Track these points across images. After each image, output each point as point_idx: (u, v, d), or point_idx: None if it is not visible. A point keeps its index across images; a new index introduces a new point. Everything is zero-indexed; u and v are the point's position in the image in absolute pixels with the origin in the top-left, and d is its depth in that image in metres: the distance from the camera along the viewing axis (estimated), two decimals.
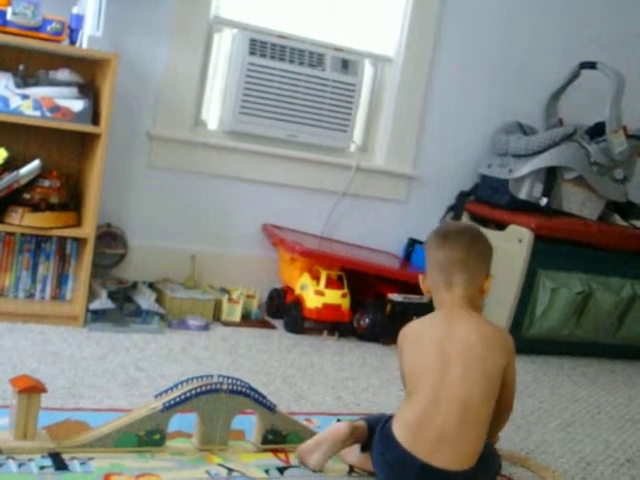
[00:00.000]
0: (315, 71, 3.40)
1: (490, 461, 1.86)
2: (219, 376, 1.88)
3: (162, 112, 3.20)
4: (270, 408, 1.92)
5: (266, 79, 3.33)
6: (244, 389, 1.88)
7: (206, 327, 2.99)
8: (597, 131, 3.67)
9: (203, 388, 1.83)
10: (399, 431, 1.75)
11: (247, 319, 3.20)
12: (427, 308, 3.22)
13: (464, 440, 1.75)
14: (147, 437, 1.80)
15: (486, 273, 1.96)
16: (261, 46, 3.31)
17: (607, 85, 3.58)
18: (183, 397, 1.80)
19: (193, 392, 1.81)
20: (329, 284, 3.14)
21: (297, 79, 3.38)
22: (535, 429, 2.52)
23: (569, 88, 3.85)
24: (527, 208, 3.52)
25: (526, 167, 3.48)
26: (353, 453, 1.92)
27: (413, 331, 1.95)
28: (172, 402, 1.79)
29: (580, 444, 2.46)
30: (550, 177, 3.51)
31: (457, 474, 1.73)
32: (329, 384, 2.60)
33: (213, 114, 3.38)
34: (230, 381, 1.87)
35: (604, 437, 2.57)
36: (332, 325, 3.18)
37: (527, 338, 3.43)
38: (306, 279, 3.16)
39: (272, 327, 3.18)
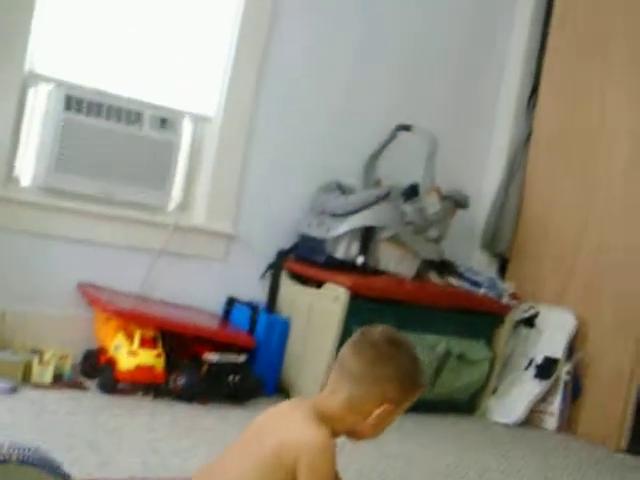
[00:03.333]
0: (133, 128, 3.38)
1: None
2: (9, 446, 1.82)
3: None
4: (64, 477, 1.86)
5: (82, 136, 3.29)
6: (35, 459, 1.81)
7: (13, 390, 2.88)
8: (412, 192, 3.79)
9: None
10: None
11: (59, 381, 3.11)
12: (244, 368, 3.26)
13: None
14: None
15: (381, 401, 1.73)
16: (77, 102, 3.26)
17: (422, 147, 3.73)
18: None
19: None
20: (143, 344, 3.09)
21: (114, 136, 3.35)
22: None
23: (387, 149, 3.97)
24: (344, 267, 3.58)
25: (343, 226, 3.56)
26: None
27: None
28: None
29: None
30: (366, 236, 3.60)
31: None
32: (138, 448, 2.55)
33: (27, 170, 3.29)
34: (20, 451, 1.81)
35: None
36: (147, 386, 3.13)
37: None
38: (120, 339, 3.11)
39: (85, 389, 3.10)
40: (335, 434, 1.73)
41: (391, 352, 1.78)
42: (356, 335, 1.85)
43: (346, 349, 1.82)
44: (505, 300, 4.00)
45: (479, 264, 4.45)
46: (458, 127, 4.37)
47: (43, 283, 3.31)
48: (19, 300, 3.26)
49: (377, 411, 1.73)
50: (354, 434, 1.79)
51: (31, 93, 3.27)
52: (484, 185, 4.55)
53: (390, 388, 1.74)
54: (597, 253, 4.04)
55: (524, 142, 4.46)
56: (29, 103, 3.26)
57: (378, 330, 1.87)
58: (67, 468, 1.91)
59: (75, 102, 3.26)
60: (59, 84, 3.28)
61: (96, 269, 3.40)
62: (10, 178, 3.25)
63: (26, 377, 3.02)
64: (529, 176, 4.42)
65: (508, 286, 4.18)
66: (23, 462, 1.79)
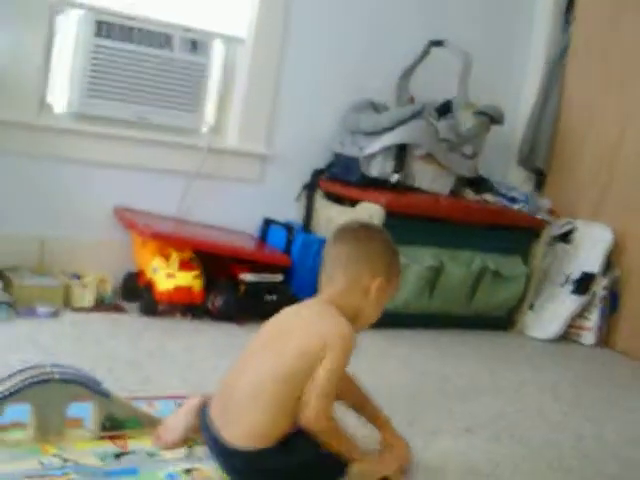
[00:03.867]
0: (164, 52, 3.37)
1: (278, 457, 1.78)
2: (51, 365, 1.87)
3: (5, 97, 3.12)
4: (105, 395, 1.91)
5: (114, 61, 3.28)
6: (77, 377, 1.87)
7: (55, 314, 2.94)
8: (446, 108, 3.75)
9: (34, 378, 1.81)
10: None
11: (100, 304, 3.17)
12: (280, 288, 3.29)
13: (244, 417, 1.78)
14: None
15: (373, 274, 1.89)
16: (107, 27, 3.25)
17: (456, 63, 3.68)
18: (12, 390, 1.77)
19: (22, 384, 1.79)
20: (181, 266, 3.13)
21: (145, 60, 3.34)
22: (380, 401, 2.57)
23: (420, 66, 3.92)
24: (378, 185, 3.58)
25: (376, 144, 3.54)
26: None
27: None
28: (0, 395, 1.77)
29: (423, 415, 2.53)
30: (401, 154, 3.58)
31: (229, 449, 1.79)
32: (177, 367, 2.60)
33: (60, 97, 3.30)
34: (63, 369, 1.86)
35: (448, 407, 2.66)
36: (186, 307, 3.18)
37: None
38: (158, 262, 3.15)
39: (125, 311, 3.16)
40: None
41: (369, 233, 1.99)
42: (334, 232, 2.00)
43: (329, 246, 1.99)
44: (541, 216, 3.98)
45: (515, 180, 4.42)
46: (494, 41, 4.29)
47: (81, 209, 3.35)
48: (58, 226, 3.31)
49: (374, 285, 1.89)
50: (361, 319, 1.93)
51: (61, 20, 3.26)
52: (521, 100, 4.49)
53: (378, 261, 1.92)
54: (635, 166, 3.99)
55: (561, 55, 4.38)
56: (59, 30, 3.25)
57: (351, 222, 2.08)
58: (109, 386, 1.97)
59: (105, 27, 3.25)
60: (89, 9, 3.26)
61: (132, 193, 3.43)
62: (43, 106, 3.27)
63: (67, 301, 3.09)
64: (567, 89, 4.36)
65: (545, 202, 4.16)
66: (65, 380, 1.85)
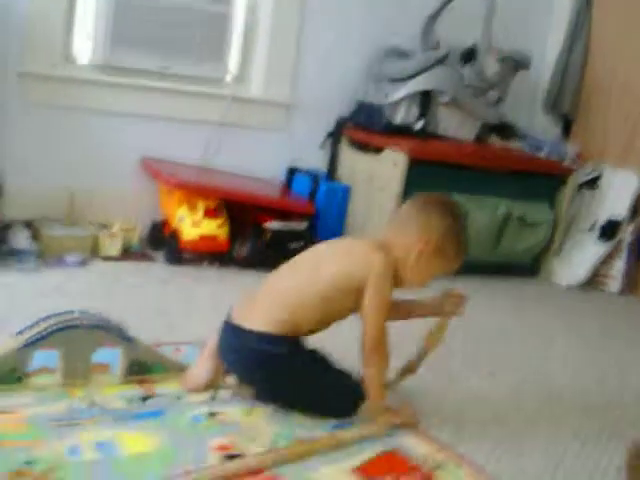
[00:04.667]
0: (187, 1, 3.37)
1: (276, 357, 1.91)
2: (79, 312, 1.91)
3: (30, 49, 3.14)
4: (130, 340, 1.95)
5: (136, 11, 3.30)
6: (103, 323, 1.90)
7: (84, 263, 2.99)
8: (471, 54, 3.72)
9: (61, 324, 1.85)
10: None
11: (127, 253, 3.20)
12: (305, 235, 3.31)
13: (264, 306, 1.94)
14: (7, 375, 1.81)
15: (419, 238, 1.96)
16: None
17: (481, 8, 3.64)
18: (39, 335, 1.82)
19: (50, 329, 1.83)
20: (206, 214, 3.16)
21: (168, 10, 3.35)
22: (403, 348, 2.59)
23: (446, 10, 3.88)
24: (403, 132, 3.58)
25: (401, 91, 3.54)
26: None
27: None
28: (29, 340, 1.81)
29: (447, 360, 2.55)
30: (425, 100, 3.58)
31: (244, 332, 1.91)
32: (203, 314, 2.63)
33: (84, 49, 3.32)
34: (89, 316, 1.90)
35: (472, 352, 2.68)
36: (212, 255, 3.21)
37: None
38: (184, 211, 3.17)
39: (152, 260, 3.20)
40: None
41: (442, 208, 2.02)
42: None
43: (403, 206, 2.08)
44: (568, 162, 3.96)
45: (542, 126, 4.38)
46: None
47: (107, 159, 3.38)
48: (85, 177, 3.34)
49: (416, 247, 1.95)
50: (399, 274, 1.99)
51: None
52: (547, 45, 4.44)
53: (433, 229, 1.96)
54: None
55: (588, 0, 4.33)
56: None
57: (435, 194, 2.11)
58: (136, 333, 2.01)
59: None
60: None
61: (158, 143, 3.45)
62: (68, 57, 3.28)
63: (95, 250, 3.13)
64: (594, 33, 4.30)
65: (572, 147, 4.13)
66: (92, 326, 1.89)
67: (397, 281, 1.99)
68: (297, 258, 2.07)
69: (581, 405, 2.36)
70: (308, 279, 1.97)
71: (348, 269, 1.94)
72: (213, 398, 1.96)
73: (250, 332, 1.90)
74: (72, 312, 1.91)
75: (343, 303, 1.95)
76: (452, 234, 1.99)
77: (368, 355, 1.94)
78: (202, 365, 2.01)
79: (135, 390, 1.93)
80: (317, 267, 1.98)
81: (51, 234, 3.05)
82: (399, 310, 2.13)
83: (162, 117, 3.43)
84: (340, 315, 1.99)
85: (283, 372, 1.91)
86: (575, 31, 4.33)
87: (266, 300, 1.96)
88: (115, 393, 1.90)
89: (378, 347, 1.95)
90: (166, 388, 1.97)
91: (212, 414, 1.87)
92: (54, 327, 1.84)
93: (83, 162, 3.33)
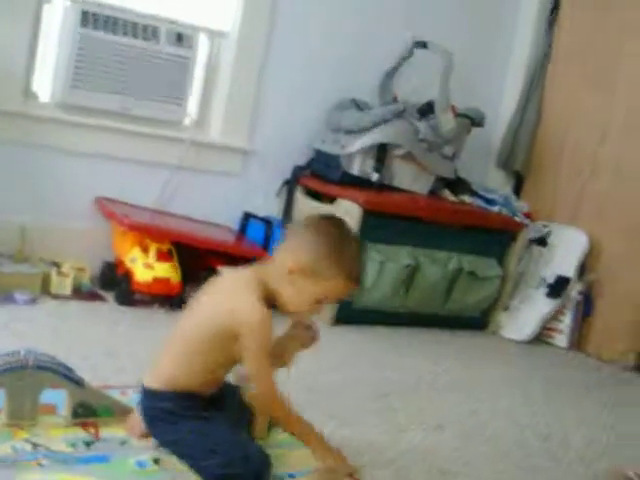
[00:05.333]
0: (149, 44, 3.39)
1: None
2: (26, 351, 1.89)
3: None
4: (78, 383, 1.94)
5: (99, 52, 3.29)
6: (50, 364, 1.89)
7: (33, 301, 2.96)
8: (428, 109, 3.78)
9: (9, 365, 1.83)
10: None
11: (78, 292, 3.18)
12: None
13: (161, 362, 1.95)
14: None
15: (297, 260, 1.86)
16: (93, 18, 3.27)
17: (439, 64, 3.71)
18: None
19: None
20: (159, 257, 3.16)
21: (131, 52, 3.35)
22: (351, 398, 2.62)
23: (404, 66, 3.95)
24: (358, 183, 3.61)
25: (357, 143, 3.58)
26: None
27: None
28: None
29: (394, 412, 2.57)
30: (381, 153, 3.62)
31: (144, 390, 1.93)
32: (153, 357, 2.61)
33: (45, 86, 3.32)
34: (37, 356, 1.88)
35: (419, 405, 2.70)
36: (163, 298, 3.21)
37: (357, 309, 3.54)
38: (136, 252, 3.17)
39: (103, 300, 3.18)
40: (271, 300, 1.90)
41: (318, 225, 1.94)
42: None
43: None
44: (518, 219, 4.02)
45: (494, 182, 4.46)
46: (476, 44, 4.32)
47: (62, 197, 3.36)
48: (38, 214, 3.31)
49: (291, 269, 1.86)
50: (279, 300, 1.91)
51: (47, 9, 3.27)
52: (502, 103, 4.52)
53: (303, 246, 1.89)
54: (612, 172, 4.04)
55: (542, 60, 4.42)
56: (45, 19, 3.27)
57: (322, 213, 2.10)
58: (83, 375, 2.00)
59: (91, 18, 3.26)
60: (75, 0, 3.27)
61: (114, 184, 3.45)
62: (29, 94, 3.28)
63: (45, 289, 3.10)
64: (547, 94, 4.40)
65: (522, 205, 4.20)
66: (39, 367, 1.87)
67: (279, 302, 1.92)
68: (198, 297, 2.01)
69: (526, 463, 2.39)
70: (186, 328, 1.96)
71: (211, 317, 1.89)
72: (158, 444, 1.94)
73: (143, 389, 1.94)
74: (19, 352, 1.89)
75: (217, 353, 1.89)
76: (325, 250, 1.86)
77: (268, 413, 1.95)
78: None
79: (80, 433, 1.92)
80: (194, 313, 1.96)
81: (1, 270, 3.02)
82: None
83: (119, 158, 3.43)
84: (225, 365, 1.94)
85: (168, 429, 1.89)
86: (529, 90, 4.43)
87: (163, 352, 1.97)
88: (60, 436, 1.88)
89: (272, 404, 1.90)
90: (111, 432, 1.96)
91: (156, 460, 1.86)
92: (1, 367, 1.82)
93: (37, 199, 3.31)
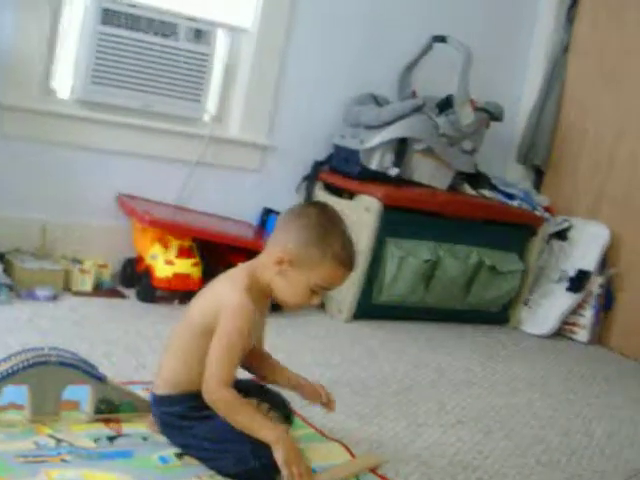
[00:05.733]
0: (168, 41, 3.40)
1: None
2: (49, 348, 1.91)
3: (11, 81, 3.15)
4: (100, 379, 1.95)
5: (119, 49, 3.30)
6: (73, 361, 1.90)
7: (55, 297, 2.98)
8: (447, 104, 3.77)
9: (31, 361, 1.84)
10: None
11: (99, 289, 3.20)
12: None
13: (163, 366, 1.96)
14: None
15: (284, 249, 1.85)
16: (113, 16, 3.28)
17: (458, 59, 3.70)
18: (10, 371, 1.81)
19: (20, 365, 1.82)
20: (180, 253, 3.17)
21: (150, 49, 3.36)
22: (372, 393, 2.63)
23: (423, 60, 3.94)
24: (378, 178, 3.61)
25: (376, 138, 3.57)
26: None
27: None
28: None
29: (414, 407, 2.57)
30: (400, 148, 3.61)
31: (153, 397, 1.95)
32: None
33: (64, 83, 3.33)
34: (60, 353, 1.90)
35: (439, 400, 2.70)
36: (184, 294, 3.22)
37: (377, 304, 3.54)
38: (157, 249, 3.18)
39: (124, 297, 3.20)
40: (264, 293, 1.91)
41: (303, 211, 1.93)
42: None
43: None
44: (538, 213, 4.01)
45: (514, 177, 4.44)
46: (496, 38, 4.31)
47: (82, 195, 3.38)
48: (60, 211, 3.33)
49: (279, 258, 1.84)
50: (275, 292, 1.91)
51: (67, 6, 3.28)
52: (521, 97, 4.51)
53: (290, 234, 1.87)
54: (632, 165, 4.02)
55: (562, 54, 4.41)
56: (65, 16, 3.28)
57: (314, 201, 2.02)
58: (105, 371, 2.01)
59: (111, 15, 3.27)
60: None
61: (134, 180, 3.46)
62: (48, 91, 3.30)
63: (67, 286, 3.13)
64: (567, 88, 4.38)
65: (543, 199, 4.19)
66: (62, 364, 1.89)
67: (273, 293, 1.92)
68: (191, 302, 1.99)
69: (545, 457, 2.38)
70: (181, 330, 1.96)
71: (200, 315, 1.89)
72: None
73: (153, 396, 1.96)
74: (42, 349, 1.91)
75: None
76: (310, 236, 1.84)
77: (211, 403, 1.79)
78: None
79: (103, 429, 1.93)
80: (189, 315, 1.94)
81: (23, 267, 3.04)
82: (262, 361, 2.06)
83: (139, 155, 3.44)
84: None
85: (181, 434, 1.88)
86: (549, 84, 4.41)
87: (164, 356, 1.98)
88: (83, 431, 1.90)
89: (218, 392, 1.78)
90: (133, 428, 1.97)
91: (179, 455, 1.87)
92: (24, 363, 1.83)
93: (58, 196, 3.33)
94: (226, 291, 1.85)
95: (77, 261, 3.23)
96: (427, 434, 2.37)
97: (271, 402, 2.02)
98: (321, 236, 1.84)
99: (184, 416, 1.87)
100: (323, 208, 1.93)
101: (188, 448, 1.87)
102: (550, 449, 2.45)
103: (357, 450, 2.12)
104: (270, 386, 2.09)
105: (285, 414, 2.05)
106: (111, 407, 1.99)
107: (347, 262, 1.90)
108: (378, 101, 3.82)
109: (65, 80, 3.33)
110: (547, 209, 4.12)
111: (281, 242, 1.87)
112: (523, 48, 4.47)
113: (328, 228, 1.86)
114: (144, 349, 2.62)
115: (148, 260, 3.20)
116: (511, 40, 4.42)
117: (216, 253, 3.34)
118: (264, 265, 1.89)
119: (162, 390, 1.92)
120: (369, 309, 3.52)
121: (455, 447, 2.31)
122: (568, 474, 2.30)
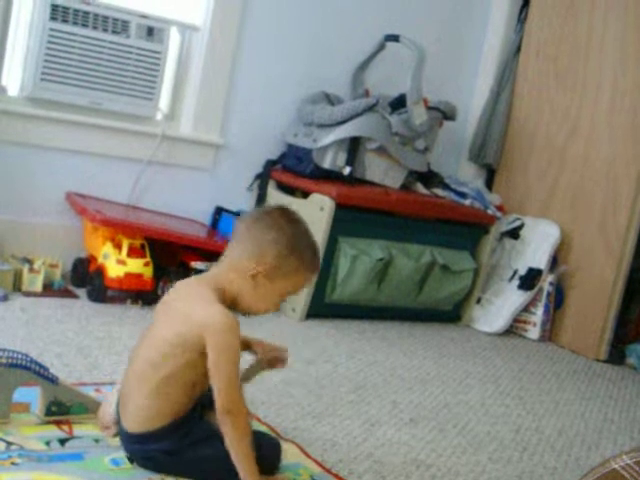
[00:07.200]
0: (119, 38, 3.37)
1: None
2: None
3: None
4: (51, 380, 1.92)
5: (69, 45, 3.27)
6: (24, 362, 1.88)
7: (5, 298, 2.94)
8: (399, 103, 3.79)
9: None
10: None
11: (50, 289, 3.16)
12: None
13: (132, 401, 1.80)
14: None
15: (257, 260, 1.78)
16: (63, 12, 3.24)
17: (411, 58, 3.72)
18: None
19: None
20: (131, 253, 3.14)
21: (101, 46, 3.33)
22: (326, 392, 2.62)
23: (375, 59, 3.95)
24: (331, 177, 3.61)
25: (329, 137, 3.57)
26: None
27: None
28: None
29: (368, 406, 2.58)
30: (353, 147, 3.61)
31: (129, 436, 1.81)
32: (125, 353, 2.61)
33: (14, 80, 3.29)
34: (10, 354, 1.87)
35: (392, 398, 2.71)
36: (136, 294, 3.19)
37: (330, 303, 3.54)
38: (108, 248, 3.15)
39: (75, 297, 3.16)
40: (231, 306, 1.81)
41: (272, 218, 1.83)
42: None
43: (235, 228, 1.89)
44: (490, 211, 4.04)
45: (466, 176, 4.47)
46: (448, 38, 4.35)
47: (33, 193, 3.34)
48: (9, 210, 3.29)
49: (252, 270, 1.78)
50: (242, 304, 1.83)
51: (16, 2, 3.24)
52: (473, 96, 4.55)
53: (268, 250, 1.78)
54: (582, 164, 4.07)
55: (514, 54, 4.45)
56: (14, 13, 3.24)
57: (275, 205, 1.93)
58: (56, 372, 1.98)
59: (61, 11, 3.23)
60: None
61: (85, 179, 3.42)
62: None
63: (17, 285, 3.08)
64: (518, 87, 4.43)
65: (495, 197, 4.22)
66: (12, 365, 1.86)
67: (241, 307, 1.84)
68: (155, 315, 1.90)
69: (497, 453, 2.40)
70: (147, 356, 1.80)
71: (183, 338, 1.74)
72: None
73: (128, 436, 1.81)
74: None
75: (190, 371, 1.76)
76: (287, 247, 1.79)
77: (235, 419, 1.69)
78: (111, 407, 1.94)
79: (54, 431, 1.91)
80: (157, 340, 1.80)
81: None
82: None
83: (91, 153, 3.41)
84: (205, 375, 1.73)
85: (170, 465, 1.80)
86: (500, 84, 4.45)
87: (129, 387, 1.82)
88: (33, 434, 1.87)
89: (236, 422, 1.70)
90: (85, 430, 1.94)
91: (131, 458, 1.85)
92: None
93: (7, 194, 3.28)
94: (203, 310, 1.74)
95: (27, 261, 3.19)
96: (380, 432, 2.37)
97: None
98: (295, 247, 1.81)
99: (172, 450, 1.78)
100: (289, 215, 1.87)
101: (179, 474, 1.80)
102: (502, 446, 2.47)
103: (311, 449, 2.11)
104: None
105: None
106: (62, 409, 1.96)
107: (317, 267, 1.90)
108: (331, 100, 3.83)
109: (15, 77, 3.28)
110: (499, 208, 4.15)
111: (254, 254, 1.79)
112: (475, 47, 4.51)
113: (298, 236, 1.83)
114: (95, 349, 2.60)
115: (100, 260, 3.17)
116: (463, 39, 4.45)
117: (168, 252, 3.32)
118: (230, 279, 1.81)
119: (141, 427, 1.78)
120: (322, 308, 3.53)
121: (409, 445, 2.32)
122: (520, 470, 2.31)
